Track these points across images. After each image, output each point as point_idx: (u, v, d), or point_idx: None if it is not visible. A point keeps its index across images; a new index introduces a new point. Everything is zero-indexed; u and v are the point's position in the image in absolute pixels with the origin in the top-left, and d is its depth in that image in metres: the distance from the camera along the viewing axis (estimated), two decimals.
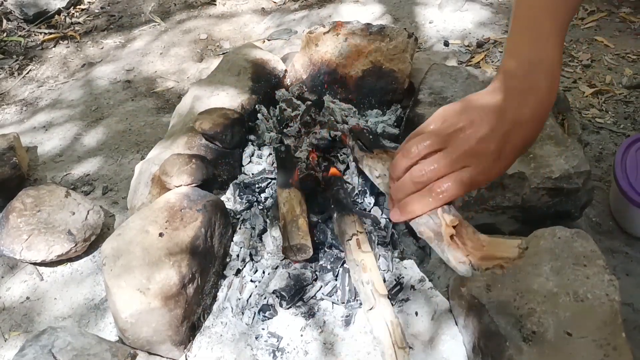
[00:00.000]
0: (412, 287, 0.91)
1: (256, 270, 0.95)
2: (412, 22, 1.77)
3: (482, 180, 0.74)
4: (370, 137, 1.00)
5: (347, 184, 1.05)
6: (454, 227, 0.74)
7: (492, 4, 1.80)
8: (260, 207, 1.05)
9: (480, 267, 0.72)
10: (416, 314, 0.88)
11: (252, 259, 0.98)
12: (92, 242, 1.10)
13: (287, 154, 1.07)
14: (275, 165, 1.10)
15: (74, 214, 1.09)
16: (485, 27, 1.70)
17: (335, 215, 0.96)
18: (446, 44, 1.65)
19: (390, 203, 0.78)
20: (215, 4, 2.07)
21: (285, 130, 1.18)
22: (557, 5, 0.74)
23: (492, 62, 1.56)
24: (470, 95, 0.76)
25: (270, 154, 1.15)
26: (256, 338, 0.87)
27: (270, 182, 1.09)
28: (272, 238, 0.97)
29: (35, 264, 1.09)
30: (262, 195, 1.08)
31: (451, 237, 0.74)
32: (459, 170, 0.73)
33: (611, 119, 1.35)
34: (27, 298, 1.05)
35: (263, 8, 2.02)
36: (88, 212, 1.11)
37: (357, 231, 0.90)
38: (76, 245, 1.06)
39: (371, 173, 0.93)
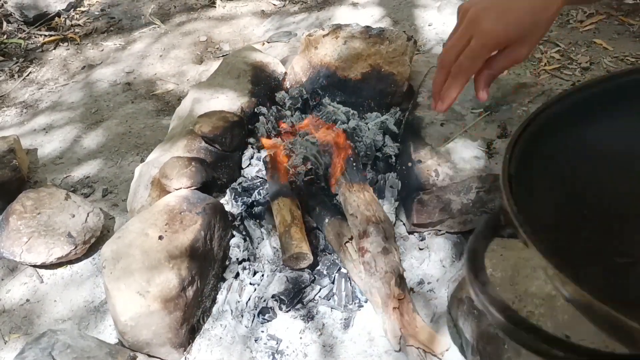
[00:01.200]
0: (412, 289, 0.91)
1: (255, 273, 0.96)
2: (411, 25, 1.77)
3: (488, 44, 0.75)
4: (354, 167, 1.02)
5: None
6: (399, 299, 0.82)
7: None
8: (254, 212, 1.04)
9: (409, 344, 0.79)
10: None
11: (250, 263, 0.98)
12: (92, 245, 1.11)
13: (272, 163, 1.07)
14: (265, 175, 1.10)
15: (73, 216, 1.10)
16: None
17: (326, 220, 0.96)
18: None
19: (434, 101, 0.82)
20: (215, 7, 2.08)
21: (280, 127, 1.19)
22: None
23: None
24: None
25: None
26: (255, 341, 0.88)
27: (266, 184, 1.09)
28: (273, 248, 0.97)
29: (35, 266, 1.09)
30: (258, 198, 1.08)
31: (394, 308, 0.81)
32: (468, 43, 0.75)
33: None
34: (27, 300, 1.05)
35: (263, 10, 2.03)
36: (88, 214, 1.11)
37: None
38: (76, 247, 1.07)
39: (344, 204, 0.97)
